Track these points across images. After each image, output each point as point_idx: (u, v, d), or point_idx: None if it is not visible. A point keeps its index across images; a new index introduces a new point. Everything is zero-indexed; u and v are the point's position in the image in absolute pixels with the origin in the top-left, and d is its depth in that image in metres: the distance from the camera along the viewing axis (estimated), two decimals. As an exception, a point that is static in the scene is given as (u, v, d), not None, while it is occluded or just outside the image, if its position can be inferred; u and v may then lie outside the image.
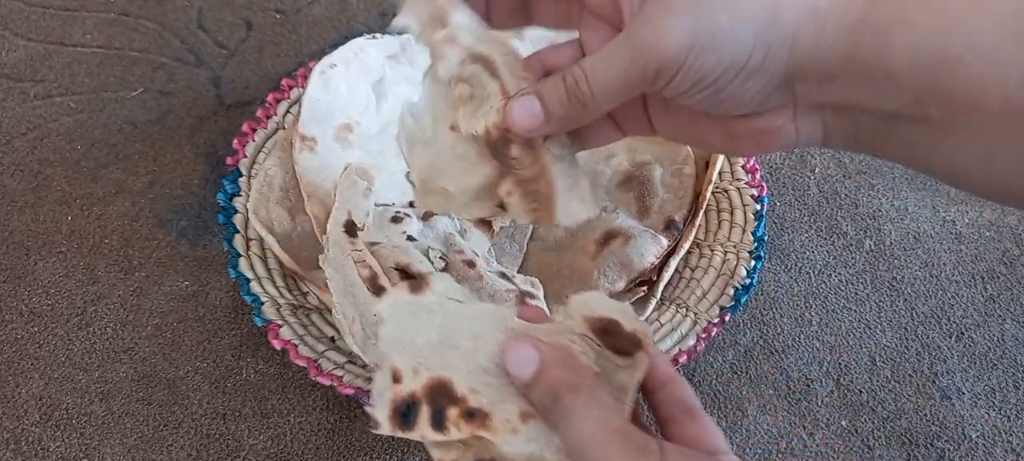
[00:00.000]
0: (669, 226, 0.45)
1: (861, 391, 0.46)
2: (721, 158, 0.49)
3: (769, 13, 0.29)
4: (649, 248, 0.44)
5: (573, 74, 0.32)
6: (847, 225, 0.53)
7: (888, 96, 0.29)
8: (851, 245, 0.52)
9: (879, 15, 0.28)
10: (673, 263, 0.46)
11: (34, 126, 0.56)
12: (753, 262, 0.46)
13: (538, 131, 0.33)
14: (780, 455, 0.44)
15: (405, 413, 0.31)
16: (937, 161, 0.30)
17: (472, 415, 0.29)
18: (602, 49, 0.31)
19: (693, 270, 0.48)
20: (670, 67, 0.29)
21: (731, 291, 0.45)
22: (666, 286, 0.47)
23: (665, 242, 0.44)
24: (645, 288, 0.46)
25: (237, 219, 0.48)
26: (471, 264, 0.44)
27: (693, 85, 0.30)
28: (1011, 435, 0.45)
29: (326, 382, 0.41)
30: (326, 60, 0.50)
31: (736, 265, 0.46)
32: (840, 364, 0.47)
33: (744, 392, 0.46)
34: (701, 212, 0.47)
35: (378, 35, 0.53)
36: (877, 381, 0.46)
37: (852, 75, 0.29)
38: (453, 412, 0.29)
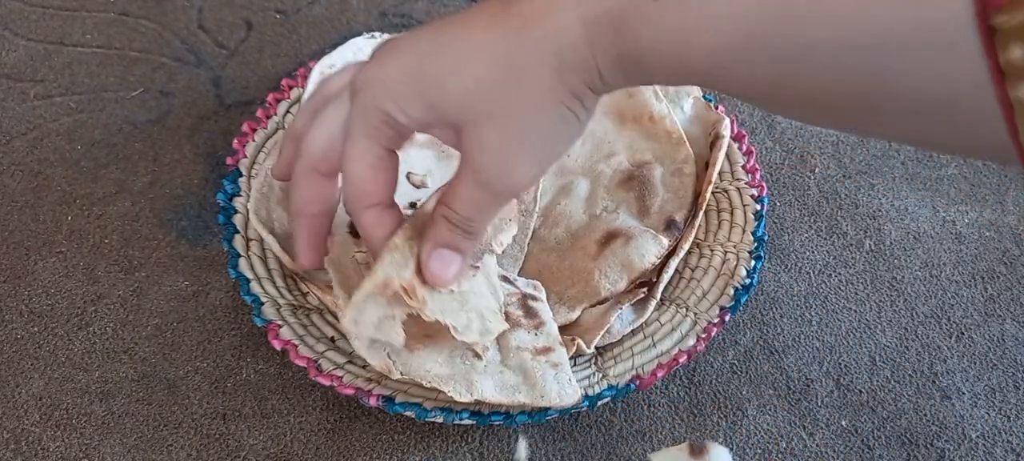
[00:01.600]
0: (670, 226, 0.45)
1: (861, 391, 0.46)
2: (722, 158, 0.49)
3: (568, 98, 0.32)
4: (650, 248, 0.44)
5: (445, 212, 0.36)
6: (847, 225, 0.53)
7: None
8: (851, 245, 0.52)
9: (629, 53, 0.31)
10: (673, 263, 0.46)
11: (34, 126, 0.56)
12: (753, 262, 0.46)
13: (459, 269, 0.37)
14: (780, 455, 0.44)
15: None
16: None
17: None
18: (455, 181, 0.35)
19: (693, 270, 0.48)
20: (520, 192, 0.40)
21: (731, 291, 0.45)
22: (666, 286, 0.47)
23: (666, 242, 0.45)
24: (645, 289, 0.46)
25: (237, 219, 0.48)
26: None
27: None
28: (1011, 435, 0.45)
29: (326, 382, 0.41)
30: (326, 60, 0.50)
31: (736, 265, 0.46)
32: (840, 364, 0.47)
33: (744, 392, 0.46)
34: (701, 212, 0.47)
35: (377, 35, 0.53)
36: (877, 381, 0.46)
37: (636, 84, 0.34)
38: None
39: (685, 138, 0.49)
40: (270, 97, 0.53)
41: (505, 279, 0.45)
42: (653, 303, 0.45)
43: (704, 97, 0.53)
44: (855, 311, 0.49)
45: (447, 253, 0.37)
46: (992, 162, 0.54)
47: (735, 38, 0.28)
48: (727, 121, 0.48)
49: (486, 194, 0.35)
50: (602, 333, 0.43)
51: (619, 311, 0.44)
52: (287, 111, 0.53)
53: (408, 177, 0.49)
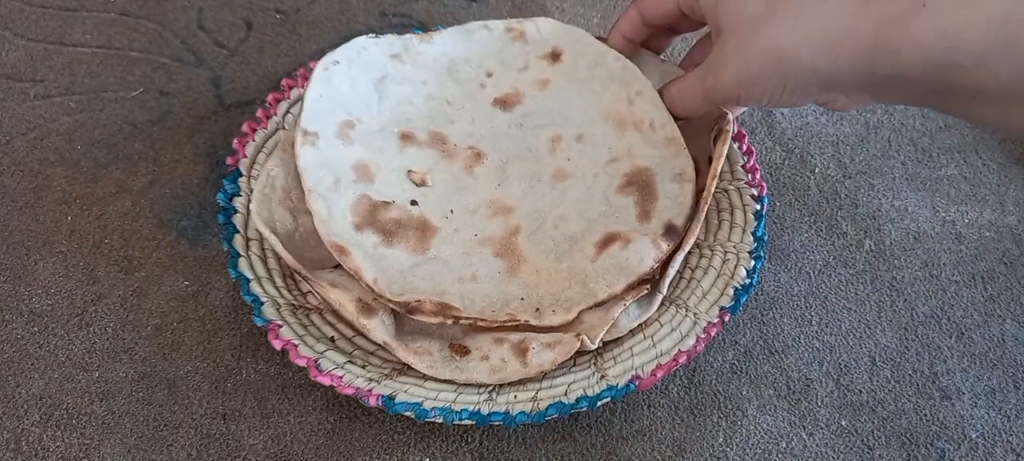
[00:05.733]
0: (669, 231, 0.45)
1: (861, 391, 0.46)
2: (725, 151, 0.48)
3: (789, 53, 0.39)
4: (648, 252, 0.44)
5: (668, 94, 0.49)
6: (847, 225, 0.53)
7: (909, 92, 0.37)
8: (851, 245, 0.52)
9: (887, 39, 0.35)
10: (679, 258, 0.45)
11: (34, 126, 0.56)
12: (753, 262, 0.46)
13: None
14: (780, 455, 0.44)
15: None
16: (969, 116, 0.38)
17: None
18: (685, 78, 0.48)
19: (693, 270, 0.48)
20: (729, 99, 0.44)
21: (731, 291, 0.45)
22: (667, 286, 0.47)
23: (665, 246, 0.44)
24: (648, 286, 0.45)
25: (237, 219, 0.48)
26: None
27: (757, 101, 0.43)
28: (1011, 435, 0.45)
29: (326, 382, 0.41)
30: (329, 57, 0.50)
31: (736, 265, 0.46)
32: (840, 364, 0.47)
33: (744, 392, 0.46)
34: (706, 204, 0.46)
35: (379, 35, 0.53)
36: (877, 381, 0.46)
37: (873, 84, 0.37)
38: None
39: (685, 147, 0.49)
40: (270, 97, 0.53)
41: None
42: (659, 298, 0.45)
43: None
44: (855, 311, 0.49)
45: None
46: None
47: (1002, 32, 0.32)
48: (731, 116, 0.48)
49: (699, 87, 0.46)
50: (608, 328, 0.43)
51: (624, 306, 0.44)
52: (287, 111, 0.53)
53: (408, 175, 0.49)
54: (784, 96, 0.41)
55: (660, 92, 0.50)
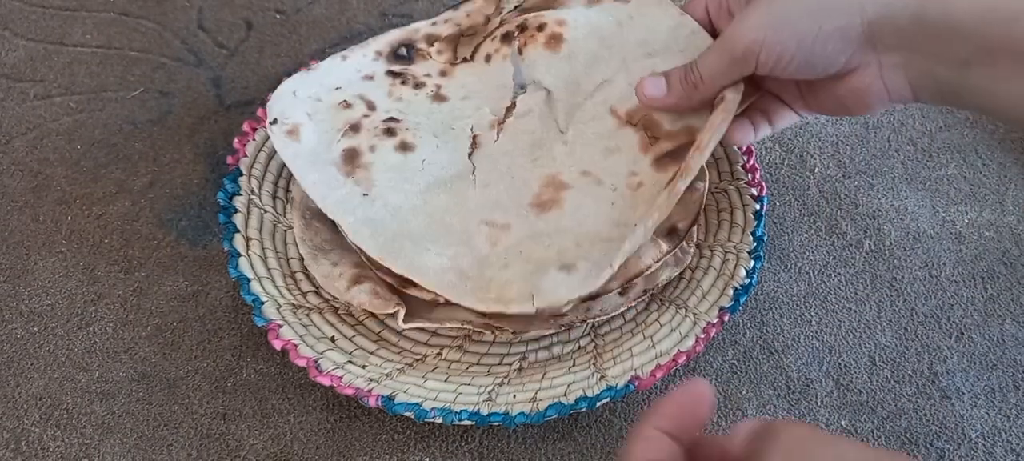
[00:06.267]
0: (671, 233, 0.45)
1: (861, 391, 0.46)
2: (715, 129, 0.47)
3: None
4: (648, 251, 0.44)
5: (690, 65, 0.43)
6: (847, 225, 0.53)
7: (957, 46, 0.35)
8: (851, 245, 0.52)
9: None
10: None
11: (34, 126, 0.56)
12: (753, 262, 0.46)
13: (661, 101, 0.44)
14: (780, 455, 0.44)
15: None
16: (1009, 103, 0.36)
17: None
18: (710, 49, 0.43)
19: (693, 270, 0.48)
20: (752, 48, 0.39)
21: (731, 291, 0.45)
22: (665, 287, 0.47)
23: (665, 247, 0.44)
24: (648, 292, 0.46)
25: (237, 218, 0.48)
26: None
27: (780, 58, 0.39)
28: (1011, 435, 0.45)
29: (326, 382, 0.41)
30: (287, 84, 0.49)
31: (736, 265, 0.46)
32: (840, 364, 0.47)
33: (744, 392, 0.46)
34: (697, 161, 0.45)
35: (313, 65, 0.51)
36: (877, 381, 0.46)
37: (922, 30, 0.36)
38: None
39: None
40: (270, 97, 0.53)
41: None
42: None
43: None
44: (855, 311, 0.49)
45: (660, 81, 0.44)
46: None
47: None
48: (738, 91, 0.46)
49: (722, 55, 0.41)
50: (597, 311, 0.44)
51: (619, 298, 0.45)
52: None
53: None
54: (816, 44, 0.38)
55: (684, 67, 0.44)
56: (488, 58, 0.51)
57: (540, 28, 0.50)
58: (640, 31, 0.49)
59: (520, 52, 0.50)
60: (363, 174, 0.45)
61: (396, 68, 0.51)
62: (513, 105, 0.49)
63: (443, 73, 0.51)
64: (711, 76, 0.42)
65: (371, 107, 0.49)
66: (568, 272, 0.41)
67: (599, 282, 0.40)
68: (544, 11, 0.51)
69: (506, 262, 0.43)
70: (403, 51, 0.52)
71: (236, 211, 0.48)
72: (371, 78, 0.50)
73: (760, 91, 0.45)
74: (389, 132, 0.47)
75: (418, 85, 0.50)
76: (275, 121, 0.47)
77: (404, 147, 0.47)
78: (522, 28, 0.51)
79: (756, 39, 0.39)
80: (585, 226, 0.44)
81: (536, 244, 0.43)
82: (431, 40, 0.53)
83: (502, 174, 0.47)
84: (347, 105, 0.48)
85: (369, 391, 0.41)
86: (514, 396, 0.42)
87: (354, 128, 0.47)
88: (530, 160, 0.47)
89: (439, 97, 0.50)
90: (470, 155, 0.47)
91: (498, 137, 0.48)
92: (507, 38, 0.51)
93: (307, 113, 0.48)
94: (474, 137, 0.48)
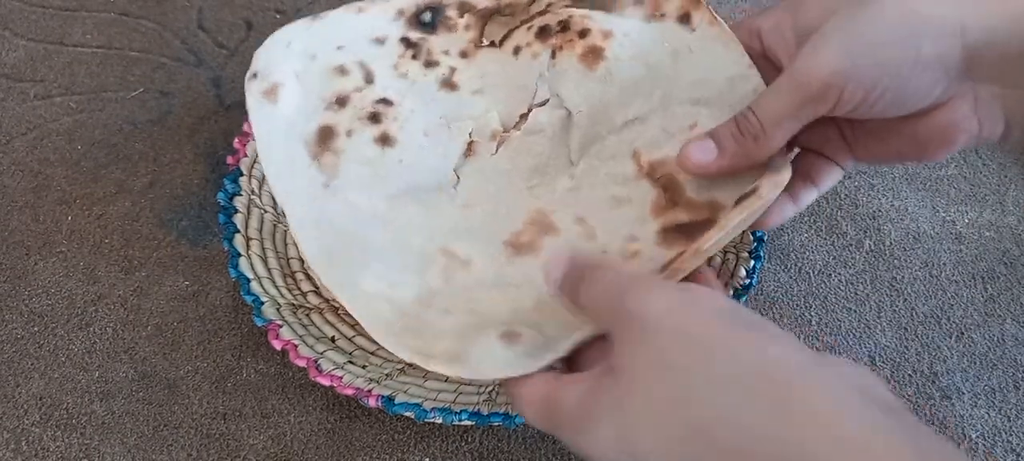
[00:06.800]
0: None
1: (861, 391, 0.46)
2: (742, 218, 0.43)
3: (924, 8, 0.31)
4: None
5: (743, 113, 0.35)
6: (847, 225, 0.53)
7: None
8: (851, 245, 0.52)
9: None
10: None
11: (34, 126, 0.56)
12: (752, 262, 0.46)
13: (714, 166, 0.36)
14: (780, 455, 0.44)
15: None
16: None
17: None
18: (771, 88, 0.35)
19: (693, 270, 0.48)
20: (834, 81, 0.32)
21: (731, 291, 0.45)
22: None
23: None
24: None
25: (237, 218, 0.48)
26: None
27: (868, 93, 0.32)
28: (1011, 435, 0.45)
29: (326, 383, 0.41)
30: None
31: (736, 265, 0.46)
32: (840, 364, 0.47)
33: (744, 392, 0.46)
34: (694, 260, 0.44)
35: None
36: (877, 381, 0.46)
37: None
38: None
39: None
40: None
41: None
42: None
43: None
44: (855, 311, 0.49)
45: (709, 144, 0.36)
46: None
47: None
48: (787, 166, 0.38)
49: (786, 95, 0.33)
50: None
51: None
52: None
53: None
54: (913, 73, 0.31)
55: (734, 118, 0.36)
56: (517, 51, 0.44)
57: (582, 34, 0.43)
58: (696, 70, 0.41)
59: (554, 55, 0.43)
60: (331, 160, 0.40)
61: (414, 36, 0.45)
62: (528, 114, 0.43)
63: (464, 54, 0.45)
64: (775, 122, 0.34)
65: (368, 79, 0.43)
66: (507, 343, 0.33)
67: (534, 366, 0.32)
68: (593, 12, 0.44)
69: (449, 308, 0.36)
70: (427, 16, 0.45)
71: (236, 211, 0.48)
72: (381, 42, 0.44)
73: (793, 149, 0.38)
74: (374, 118, 0.42)
75: (430, 64, 0.45)
76: (255, 75, 0.41)
77: (384, 140, 0.42)
78: (564, 27, 0.44)
79: (838, 70, 0.31)
80: None
81: (492, 294, 0.37)
82: (463, 9, 0.46)
83: (488, 196, 0.41)
84: (342, 71, 0.43)
85: (369, 391, 0.41)
86: (514, 396, 0.41)
87: (341, 102, 0.42)
88: (525, 186, 0.42)
89: (449, 84, 0.44)
90: (459, 165, 0.42)
91: (497, 150, 0.43)
92: (544, 33, 0.44)
93: (295, 71, 0.42)
94: (470, 143, 0.43)
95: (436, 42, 0.45)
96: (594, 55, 0.42)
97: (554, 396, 0.31)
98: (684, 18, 0.42)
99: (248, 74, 0.42)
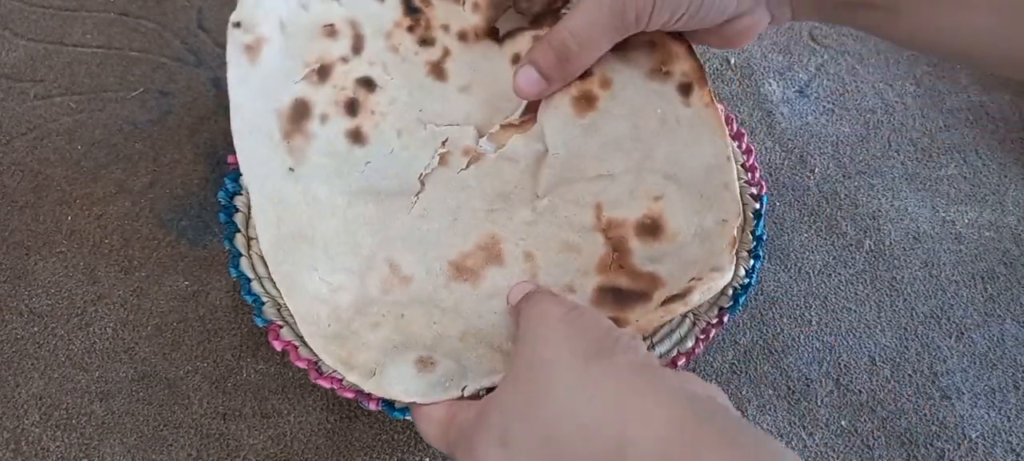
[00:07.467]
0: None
1: (861, 391, 0.46)
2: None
3: None
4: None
5: (558, 36, 0.38)
6: (847, 225, 0.53)
7: None
8: (851, 245, 0.52)
9: None
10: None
11: (34, 126, 0.56)
12: (752, 262, 0.46)
13: (539, 92, 0.41)
14: (780, 455, 0.44)
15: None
16: (898, 36, 0.36)
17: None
18: (579, 8, 0.38)
19: (693, 270, 0.48)
20: (644, 8, 0.36)
21: (730, 291, 0.45)
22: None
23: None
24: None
25: (238, 218, 0.47)
26: None
27: (672, 15, 0.37)
28: (1011, 435, 0.45)
29: (326, 385, 0.41)
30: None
31: (735, 265, 0.46)
32: (840, 364, 0.47)
33: (744, 392, 0.46)
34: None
35: None
36: (877, 381, 0.46)
37: None
38: None
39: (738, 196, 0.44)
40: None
41: None
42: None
43: None
44: (855, 311, 0.49)
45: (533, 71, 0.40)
46: None
47: None
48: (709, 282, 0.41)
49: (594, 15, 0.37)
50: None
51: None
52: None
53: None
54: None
55: (549, 40, 0.39)
56: (516, 58, 0.44)
57: (582, 76, 0.42)
58: (678, 146, 0.41)
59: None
60: (301, 143, 0.40)
61: (418, 2, 0.43)
62: (505, 126, 0.43)
63: (462, 36, 0.44)
64: (586, 43, 0.38)
65: (356, 48, 0.42)
66: (420, 370, 0.35)
67: (441, 397, 0.34)
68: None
69: (378, 322, 0.37)
70: None
71: (237, 210, 0.48)
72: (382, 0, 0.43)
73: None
74: (351, 107, 0.41)
75: (425, 42, 0.43)
76: (239, 25, 0.39)
77: (356, 136, 0.41)
78: None
79: (649, 2, 0.36)
80: (482, 322, 0.38)
81: (423, 315, 0.37)
82: None
83: (446, 210, 0.41)
84: (332, 31, 0.41)
85: (369, 394, 0.41)
86: (514, 397, 0.42)
87: (322, 73, 0.41)
88: (486, 209, 0.42)
89: (438, 70, 0.43)
90: (426, 174, 0.42)
91: (467, 165, 0.42)
92: None
93: (281, 23, 0.40)
94: (442, 155, 0.42)
95: (440, 13, 0.44)
96: (587, 102, 0.42)
97: (453, 418, 0.33)
98: (685, 88, 0.42)
99: (231, 19, 0.39)
